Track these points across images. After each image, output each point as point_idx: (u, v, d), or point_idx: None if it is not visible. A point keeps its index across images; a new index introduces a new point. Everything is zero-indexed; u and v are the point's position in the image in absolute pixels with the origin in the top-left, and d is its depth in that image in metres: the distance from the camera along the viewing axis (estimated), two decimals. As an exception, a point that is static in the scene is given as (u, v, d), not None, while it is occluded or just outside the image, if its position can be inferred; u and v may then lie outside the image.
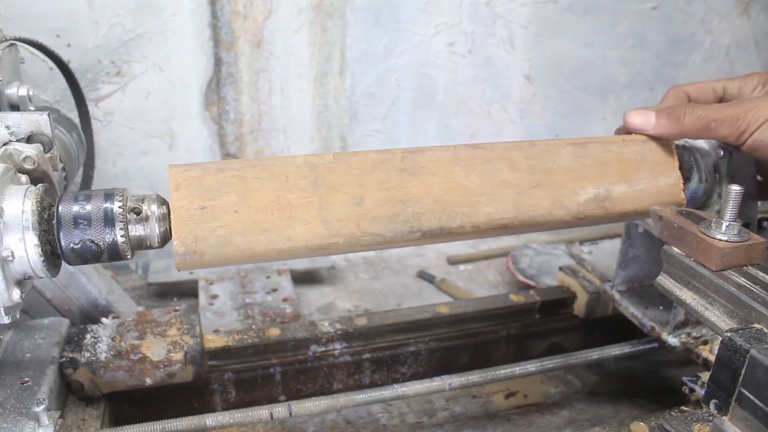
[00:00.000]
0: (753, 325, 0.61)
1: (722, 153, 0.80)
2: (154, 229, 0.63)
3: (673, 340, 0.85)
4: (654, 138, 0.78)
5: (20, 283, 0.62)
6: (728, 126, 0.74)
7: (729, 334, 0.59)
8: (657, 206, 0.75)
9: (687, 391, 0.79)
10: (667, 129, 0.77)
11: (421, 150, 0.71)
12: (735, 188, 0.66)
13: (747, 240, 0.67)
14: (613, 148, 0.77)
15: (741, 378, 0.58)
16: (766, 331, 0.60)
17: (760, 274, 0.66)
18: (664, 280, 0.73)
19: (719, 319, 0.66)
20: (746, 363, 0.57)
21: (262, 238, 0.64)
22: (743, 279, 0.65)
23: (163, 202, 0.64)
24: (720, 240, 0.66)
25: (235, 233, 0.63)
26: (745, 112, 0.74)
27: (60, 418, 0.68)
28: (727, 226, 0.67)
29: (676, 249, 0.71)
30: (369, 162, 0.69)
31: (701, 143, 0.82)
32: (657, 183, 0.77)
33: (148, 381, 0.83)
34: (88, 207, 0.61)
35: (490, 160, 0.72)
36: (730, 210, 0.67)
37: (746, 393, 0.57)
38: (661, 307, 0.91)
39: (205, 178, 0.64)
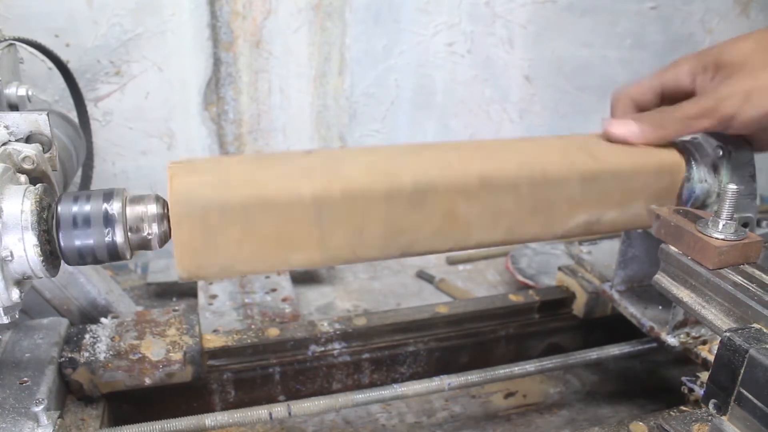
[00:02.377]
0: (752, 325, 0.61)
1: (721, 153, 0.80)
2: (153, 230, 0.63)
3: (672, 340, 0.85)
4: None
5: (19, 283, 0.62)
6: (710, 118, 0.75)
7: (728, 334, 0.59)
8: (654, 205, 0.75)
9: (686, 391, 0.79)
10: (651, 135, 0.77)
11: (429, 177, 0.69)
12: (732, 187, 0.67)
13: (744, 239, 0.67)
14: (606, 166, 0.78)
15: (740, 378, 0.58)
16: (765, 330, 0.60)
17: (757, 273, 0.66)
18: (662, 279, 0.73)
19: (716, 317, 0.66)
20: (745, 363, 0.57)
21: (261, 263, 0.66)
22: (740, 277, 0.65)
23: (162, 202, 0.64)
24: (717, 239, 0.67)
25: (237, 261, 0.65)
26: (719, 100, 0.74)
27: (59, 418, 0.68)
28: (723, 225, 0.67)
29: (673, 248, 0.71)
30: (375, 198, 0.67)
31: (700, 143, 0.82)
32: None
33: (148, 381, 0.83)
34: (88, 207, 0.61)
35: (495, 188, 0.71)
36: (727, 209, 0.67)
37: (745, 393, 0.57)
38: (660, 307, 0.91)
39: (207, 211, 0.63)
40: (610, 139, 0.79)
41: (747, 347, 0.57)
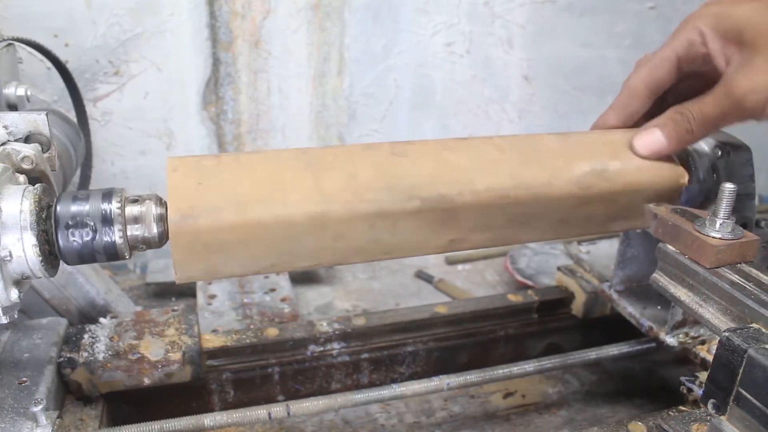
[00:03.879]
0: (751, 325, 0.61)
1: (720, 153, 0.80)
2: (152, 230, 0.63)
3: (671, 340, 0.86)
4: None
5: (18, 283, 0.62)
6: (737, 114, 0.71)
7: (727, 334, 0.59)
8: (652, 204, 0.75)
9: (685, 391, 0.79)
10: (679, 143, 0.74)
11: (408, 142, 0.71)
12: (729, 186, 0.67)
13: (741, 238, 0.67)
14: (594, 135, 0.78)
15: (739, 378, 0.58)
16: (763, 330, 0.60)
17: (753, 272, 0.66)
18: (659, 278, 0.73)
19: (713, 316, 0.66)
20: (744, 363, 0.57)
21: (258, 205, 0.64)
22: (737, 276, 0.65)
23: (162, 202, 0.64)
24: (714, 238, 0.67)
25: (230, 203, 0.63)
26: (744, 94, 0.68)
27: (58, 418, 0.68)
28: (721, 224, 0.67)
29: (670, 246, 0.72)
30: (358, 148, 0.70)
31: (699, 144, 0.82)
32: (659, 167, 0.77)
33: (147, 381, 0.83)
34: (87, 207, 0.61)
35: (476, 146, 0.73)
36: (724, 208, 0.67)
37: (744, 393, 0.57)
38: (659, 307, 0.91)
39: (201, 162, 0.66)
40: (636, 152, 0.76)
41: (746, 347, 0.57)
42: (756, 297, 0.62)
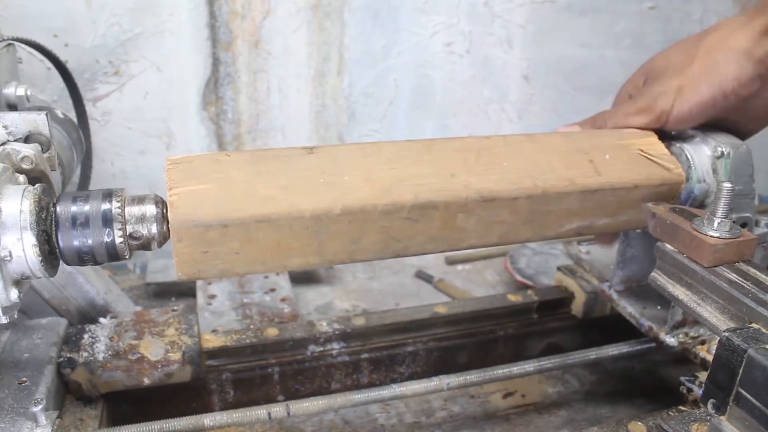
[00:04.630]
0: (750, 325, 0.61)
1: (720, 153, 0.80)
2: (152, 230, 0.63)
3: (670, 340, 0.86)
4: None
5: (18, 283, 0.62)
6: (648, 114, 0.80)
7: (727, 334, 0.59)
8: (650, 203, 0.76)
9: (685, 391, 0.79)
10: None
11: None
12: (727, 185, 0.67)
13: (739, 236, 0.67)
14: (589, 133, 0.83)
15: (739, 378, 0.58)
16: (763, 330, 0.60)
17: (752, 270, 0.66)
18: (658, 277, 0.73)
19: (712, 315, 0.66)
20: (744, 363, 0.57)
21: (259, 205, 0.64)
22: (735, 275, 0.66)
23: (162, 202, 0.64)
24: (712, 236, 0.67)
25: (230, 203, 0.63)
26: (653, 98, 0.80)
27: (58, 418, 0.68)
28: (719, 223, 0.67)
29: (669, 245, 0.72)
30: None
31: (698, 144, 0.82)
32: (657, 169, 0.78)
33: (146, 381, 0.83)
34: (87, 207, 0.61)
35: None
36: (722, 207, 0.67)
37: (744, 393, 0.57)
38: (658, 307, 0.91)
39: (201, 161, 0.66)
40: None
41: (746, 347, 0.57)
42: (754, 296, 0.62)
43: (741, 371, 0.57)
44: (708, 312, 0.67)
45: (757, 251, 0.79)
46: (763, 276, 0.65)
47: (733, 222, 0.69)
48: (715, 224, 0.67)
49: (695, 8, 1.57)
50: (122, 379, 0.82)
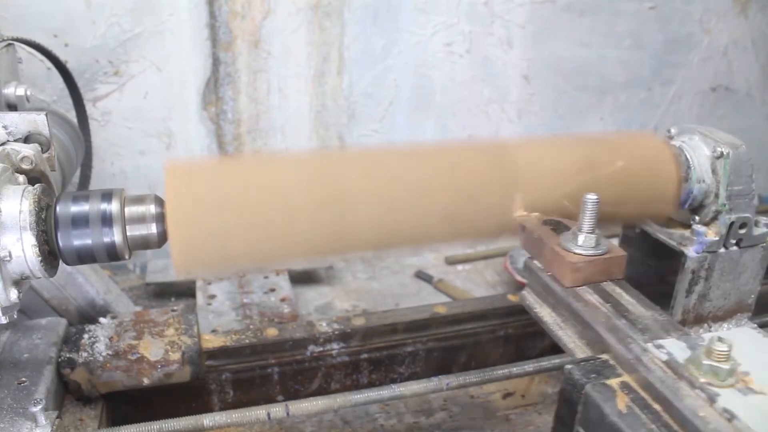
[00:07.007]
0: (600, 356, 0.55)
1: (719, 153, 0.80)
2: (152, 230, 0.63)
3: (670, 340, 0.85)
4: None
5: (18, 283, 0.62)
6: None
7: (569, 367, 0.54)
8: (524, 213, 0.70)
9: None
10: None
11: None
12: (591, 197, 0.62)
13: (604, 254, 0.62)
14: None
15: (578, 416, 0.52)
16: (611, 362, 0.53)
17: (617, 291, 0.61)
18: (527, 296, 0.68)
19: (570, 340, 0.61)
20: (582, 399, 0.51)
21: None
22: (596, 296, 0.60)
23: (161, 203, 0.64)
24: (574, 254, 0.62)
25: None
26: None
27: (57, 418, 0.68)
28: (584, 238, 0.62)
29: (536, 262, 0.66)
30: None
31: (698, 144, 0.82)
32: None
33: (146, 381, 0.83)
34: (86, 207, 0.61)
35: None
36: (587, 220, 0.62)
37: None
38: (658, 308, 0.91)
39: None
40: None
41: (585, 382, 0.51)
42: (607, 321, 0.56)
43: (580, 408, 0.51)
44: (568, 337, 0.61)
45: (757, 251, 0.79)
46: (627, 298, 0.59)
47: (601, 236, 0.63)
48: (580, 240, 0.62)
49: (695, 8, 1.57)
50: (122, 379, 0.82)
